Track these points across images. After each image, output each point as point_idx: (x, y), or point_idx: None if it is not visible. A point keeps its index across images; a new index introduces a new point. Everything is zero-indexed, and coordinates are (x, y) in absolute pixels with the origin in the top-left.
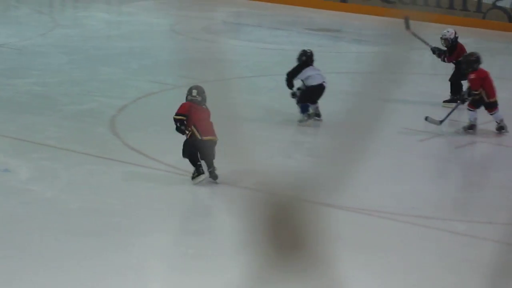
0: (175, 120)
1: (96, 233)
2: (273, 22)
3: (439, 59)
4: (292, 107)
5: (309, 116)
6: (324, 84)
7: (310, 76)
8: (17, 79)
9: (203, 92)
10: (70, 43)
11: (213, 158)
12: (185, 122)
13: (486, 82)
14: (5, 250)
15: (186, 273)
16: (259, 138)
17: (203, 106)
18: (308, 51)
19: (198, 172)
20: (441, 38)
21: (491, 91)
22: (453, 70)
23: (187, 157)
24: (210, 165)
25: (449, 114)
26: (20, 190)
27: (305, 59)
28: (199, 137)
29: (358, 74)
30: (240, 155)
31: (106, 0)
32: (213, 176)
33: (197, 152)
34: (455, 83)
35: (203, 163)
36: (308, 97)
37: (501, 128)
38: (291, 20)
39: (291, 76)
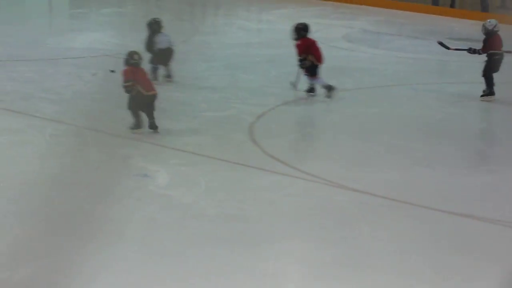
0: (126, 87)
1: (233, 240)
2: (412, 31)
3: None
4: (430, 116)
5: None
6: (172, 47)
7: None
8: (157, 85)
9: (140, 56)
10: (210, 50)
11: (154, 110)
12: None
13: (313, 48)
14: (144, 254)
15: (324, 281)
16: (397, 147)
17: (141, 67)
18: (157, 19)
19: (138, 125)
20: (482, 25)
21: (319, 55)
22: (484, 63)
23: (132, 110)
24: (152, 117)
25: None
26: (158, 195)
27: (156, 28)
28: (145, 93)
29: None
30: (376, 163)
31: (246, 8)
32: (153, 126)
33: (142, 106)
34: (487, 76)
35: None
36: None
37: (311, 91)
38: (431, 29)
39: (147, 45)
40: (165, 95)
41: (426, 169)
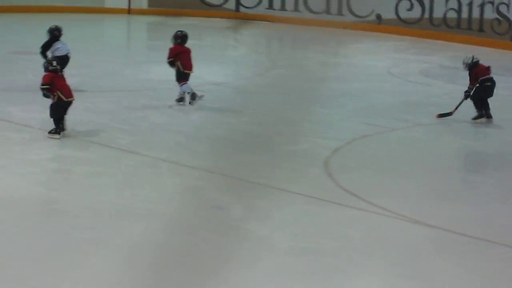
0: (43, 89)
1: (307, 273)
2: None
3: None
4: (508, 153)
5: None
6: (69, 55)
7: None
8: (233, 117)
9: (58, 62)
10: (286, 84)
11: (66, 114)
12: (50, 89)
13: (183, 56)
14: (217, 286)
15: None
16: (474, 183)
17: (60, 73)
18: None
19: (57, 130)
20: (462, 62)
21: (187, 64)
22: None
23: (54, 117)
24: (63, 120)
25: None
26: (233, 227)
27: (57, 34)
28: (65, 99)
29: None
30: (452, 199)
31: (323, 41)
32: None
33: (62, 112)
34: (476, 101)
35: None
36: None
37: (180, 100)
38: (509, 66)
39: (44, 48)
40: (240, 127)
41: (503, 206)
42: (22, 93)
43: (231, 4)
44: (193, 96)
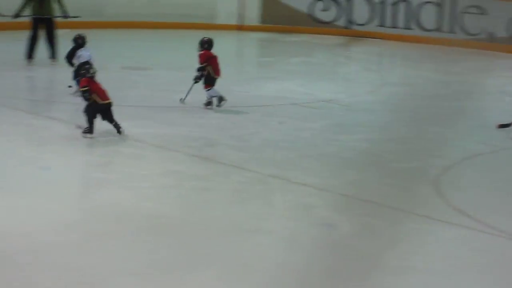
0: (83, 92)
1: None
2: None
3: None
4: None
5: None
6: (91, 61)
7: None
8: (343, 135)
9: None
10: (397, 101)
11: (112, 116)
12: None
13: (213, 61)
14: None
15: None
16: None
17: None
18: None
19: (90, 130)
20: None
21: (217, 69)
22: None
23: (88, 116)
24: (112, 121)
25: (188, 93)
26: (341, 245)
27: (80, 42)
28: (99, 101)
29: None
30: None
31: (434, 59)
32: (117, 127)
33: (97, 114)
34: None
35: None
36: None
37: (208, 104)
38: None
39: (69, 57)
40: (351, 144)
41: None
42: (134, 108)
43: (342, 21)
44: (220, 99)
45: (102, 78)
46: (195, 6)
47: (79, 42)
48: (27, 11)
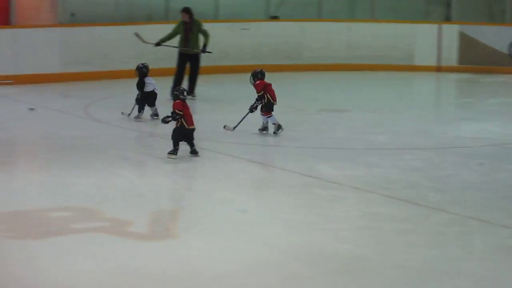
0: (176, 114)
1: None
2: None
3: None
4: None
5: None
6: (155, 91)
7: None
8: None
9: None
10: None
11: (193, 140)
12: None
13: (269, 89)
14: None
15: None
16: None
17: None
18: (146, 64)
19: (175, 152)
20: None
21: (274, 95)
22: None
23: (174, 139)
24: (192, 145)
25: (240, 121)
26: None
27: (145, 71)
28: (186, 126)
29: None
30: None
31: None
32: (194, 152)
33: (182, 137)
34: None
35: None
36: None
37: (264, 129)
38: None
39: (140, 86)
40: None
41: None
42: (331, 150)
43: None
44: (278, 128)
45: (300, 121)
46: (392, 47)
47: (144, 71)
48: (171, 43)
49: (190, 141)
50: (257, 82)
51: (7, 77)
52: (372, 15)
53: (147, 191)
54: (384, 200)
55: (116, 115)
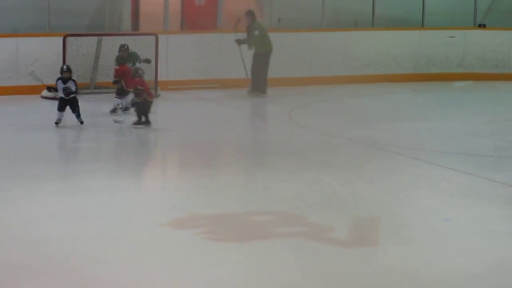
0: (137, 89)
1: None
2: None
3: None
4: None
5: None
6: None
7: None
8: None
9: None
10: None
11: (149, 112)
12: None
13: (126, 76)
14: None
15: None
16: None
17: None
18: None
19: (140, 122)
20: None
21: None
22: None
23: (137, 111)
24: (147, 116)
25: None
26: None
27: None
28: (148, 99)
29: None
30: None
31: None
32: (147, 122)
33: (145, 109)
34: None
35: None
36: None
37: (114, 111)
38: None
39: None
40: None
41: None
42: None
43: None
44: (126, 108)
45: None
46: None
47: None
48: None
49: (147, 112)
50: (116, 68)
51: (213, 81)
52: None
53: (349, 197)
54: None
55: (320, 121)
